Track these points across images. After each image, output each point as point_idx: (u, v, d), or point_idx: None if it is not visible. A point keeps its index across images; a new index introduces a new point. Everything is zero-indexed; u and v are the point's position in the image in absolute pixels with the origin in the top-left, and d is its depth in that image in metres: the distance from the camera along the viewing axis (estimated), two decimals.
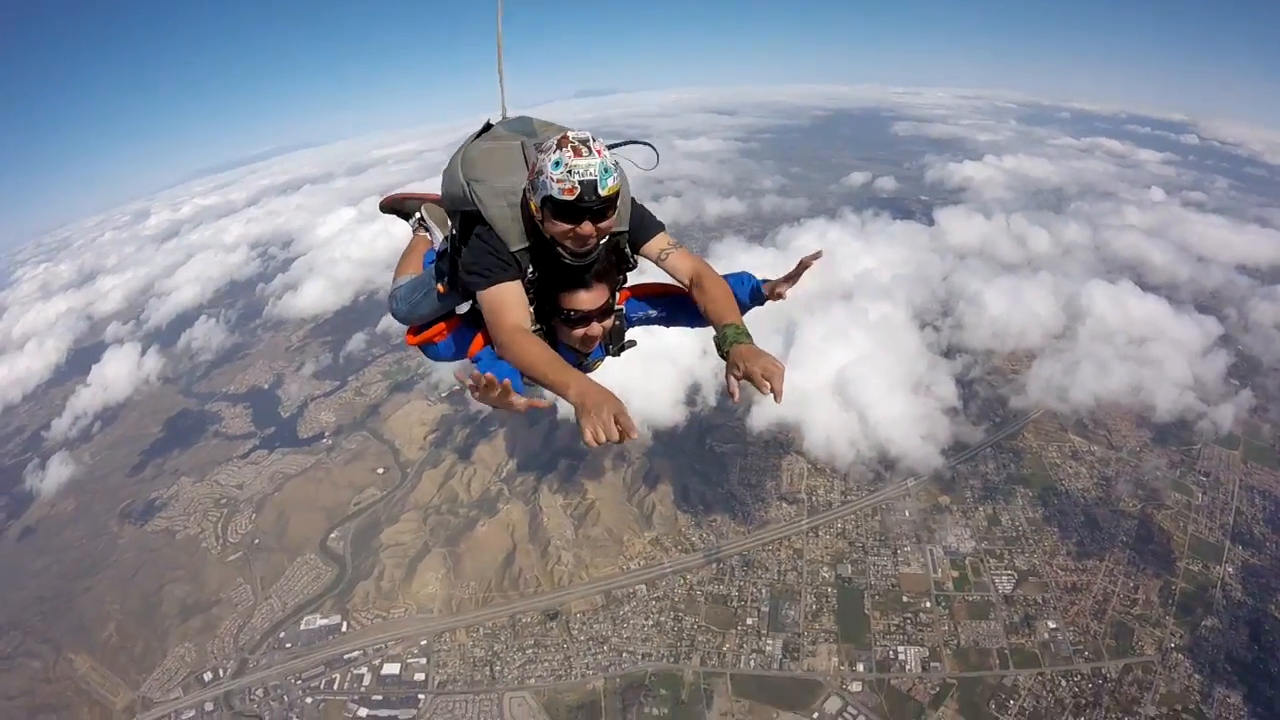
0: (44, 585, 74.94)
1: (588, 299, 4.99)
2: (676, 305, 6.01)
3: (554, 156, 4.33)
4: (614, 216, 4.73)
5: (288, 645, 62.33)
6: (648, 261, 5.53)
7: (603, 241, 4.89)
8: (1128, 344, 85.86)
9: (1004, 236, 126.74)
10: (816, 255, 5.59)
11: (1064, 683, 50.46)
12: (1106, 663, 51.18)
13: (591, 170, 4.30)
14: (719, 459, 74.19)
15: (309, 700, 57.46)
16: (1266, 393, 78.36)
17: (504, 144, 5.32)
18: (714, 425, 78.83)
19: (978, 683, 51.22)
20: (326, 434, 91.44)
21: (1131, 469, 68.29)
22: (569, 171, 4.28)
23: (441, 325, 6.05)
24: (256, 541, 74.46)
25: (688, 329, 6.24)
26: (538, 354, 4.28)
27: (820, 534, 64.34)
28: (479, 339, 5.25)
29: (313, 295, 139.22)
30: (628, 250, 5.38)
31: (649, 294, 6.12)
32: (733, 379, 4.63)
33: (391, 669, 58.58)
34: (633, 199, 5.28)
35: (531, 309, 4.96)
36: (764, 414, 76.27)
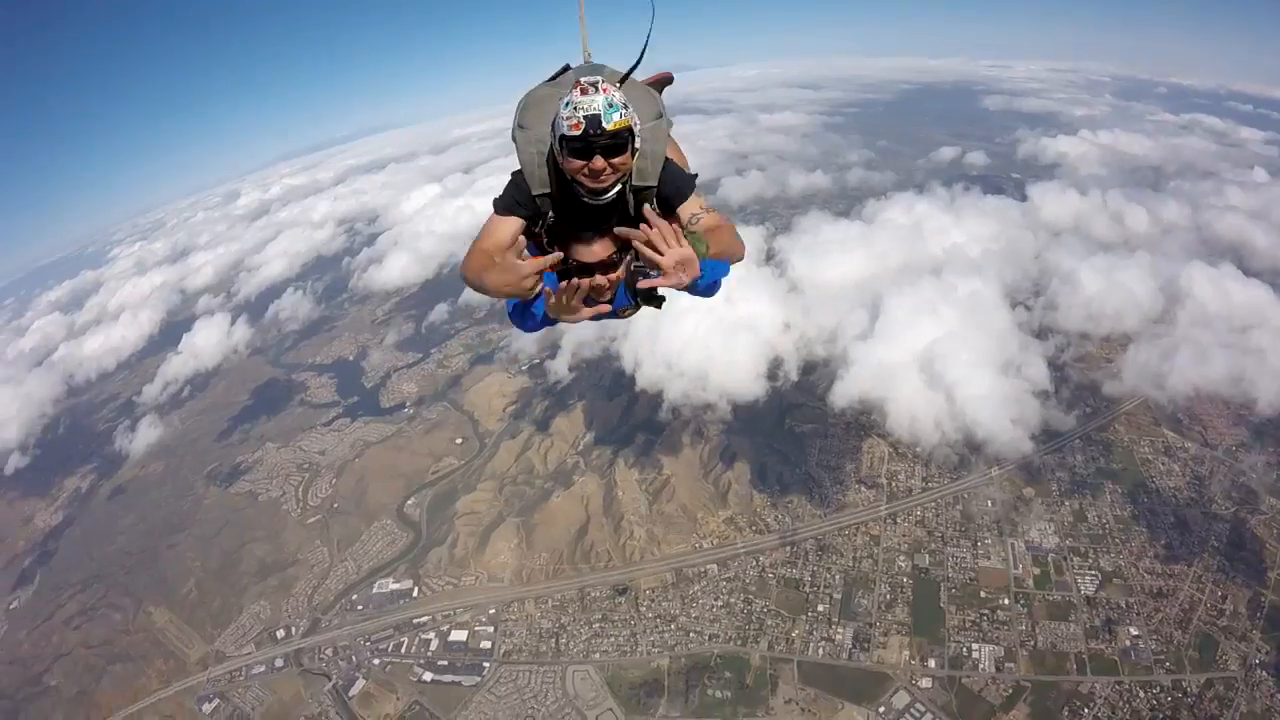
0: (130, 542, 77.70)
1: (587, 252, 5.12)
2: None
3: (565, 97, 4.76)
4: (629, 155, 4.97)
5: (359, 607, 63.34)
6: None
7: (621, 181, 5.15)
8: (1229, 331, 79.79)
9: (1100, 214, 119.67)
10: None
11: (1142, 694, 48.03)
12: (1188, 676, 48.43)
13: (595, 105, 4.62)
14: (798, 439, 72.36)
15: (376, 662, 58.25)
16: None
17: (558, 92, 5.38)
18: (794, 404, 77.06)
19: (1052, 688, 49.26)
20: (408, 404, 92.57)
21: (1227, 469, 63.70)
22: (574, 109, 4.64)
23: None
24: (335, 506, 75.78)
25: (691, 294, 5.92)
26: (487, 266, 5.03)
27: (899, 521, 62.14)
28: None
29: (397, 268, 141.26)
30: (654, 209, 5.38)
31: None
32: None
33: (459, 636, 58.94)
34: (667, 158, 5.51)
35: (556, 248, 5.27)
36: (846, 390, 74.85)
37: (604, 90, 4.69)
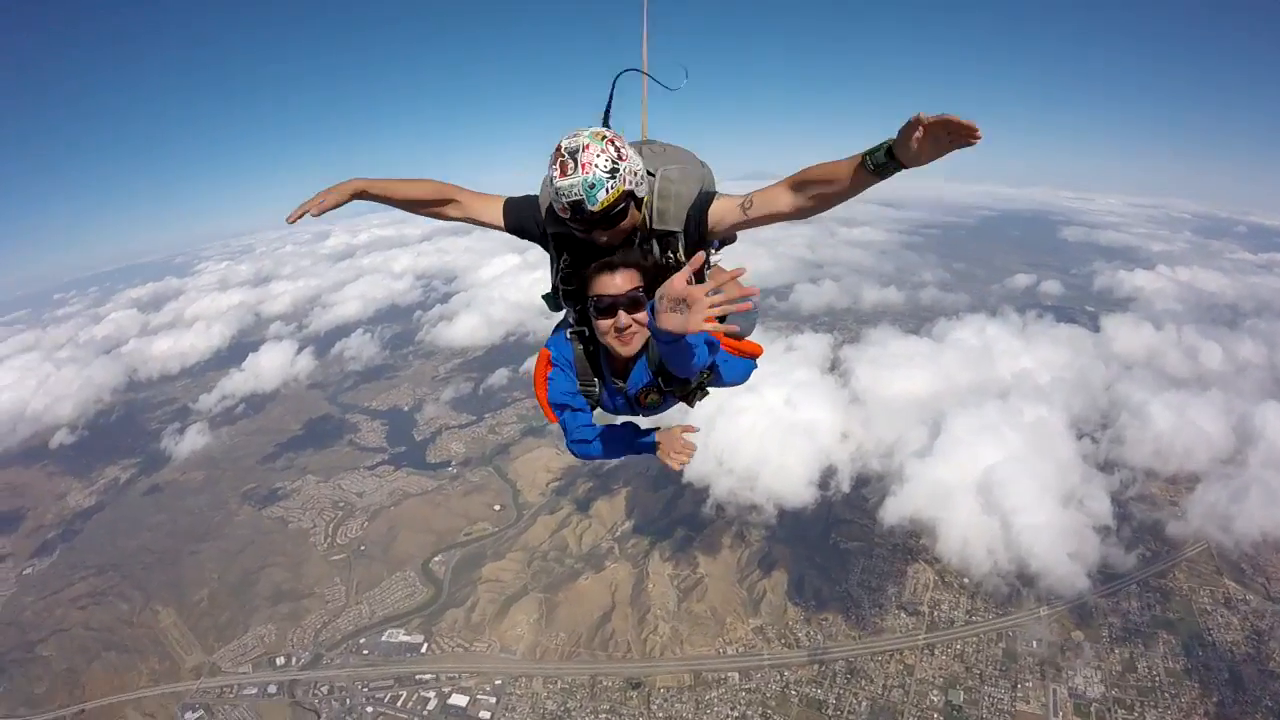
0: (154, 540, 78.20)
1: (610, 283, 4.56)
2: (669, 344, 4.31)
3: (547, 174, 4.30)
4: (632, 217, 4.55)
5: (365, 652, 62.07)
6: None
7: (635, 236, 4.76)
8: None
9: (1173, 349, 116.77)
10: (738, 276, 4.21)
11: None
12: None
13: (575, 190, 4.15)
14: (842, 555, 70.23)
15: (369, 709, 56.84)
16: None
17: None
18: (842, 519, 75.14)
19: None
20: (453, 463, 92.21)
21: None
22: (557, 192, 4.21)
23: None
24: (363, 548, 75.17)
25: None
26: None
27: (936, 652, 59.03)
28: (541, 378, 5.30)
29: (466, 328, 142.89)
30: (678, 258, 4.82)
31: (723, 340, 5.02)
32: (936, 124, 3.38)
33: (459, 700, 57.04)
34: (701, 193, 4.81)
35: (574, 306, 5.00)
36: (899, 507, 73.01)
37: (584, 166, 4.13)
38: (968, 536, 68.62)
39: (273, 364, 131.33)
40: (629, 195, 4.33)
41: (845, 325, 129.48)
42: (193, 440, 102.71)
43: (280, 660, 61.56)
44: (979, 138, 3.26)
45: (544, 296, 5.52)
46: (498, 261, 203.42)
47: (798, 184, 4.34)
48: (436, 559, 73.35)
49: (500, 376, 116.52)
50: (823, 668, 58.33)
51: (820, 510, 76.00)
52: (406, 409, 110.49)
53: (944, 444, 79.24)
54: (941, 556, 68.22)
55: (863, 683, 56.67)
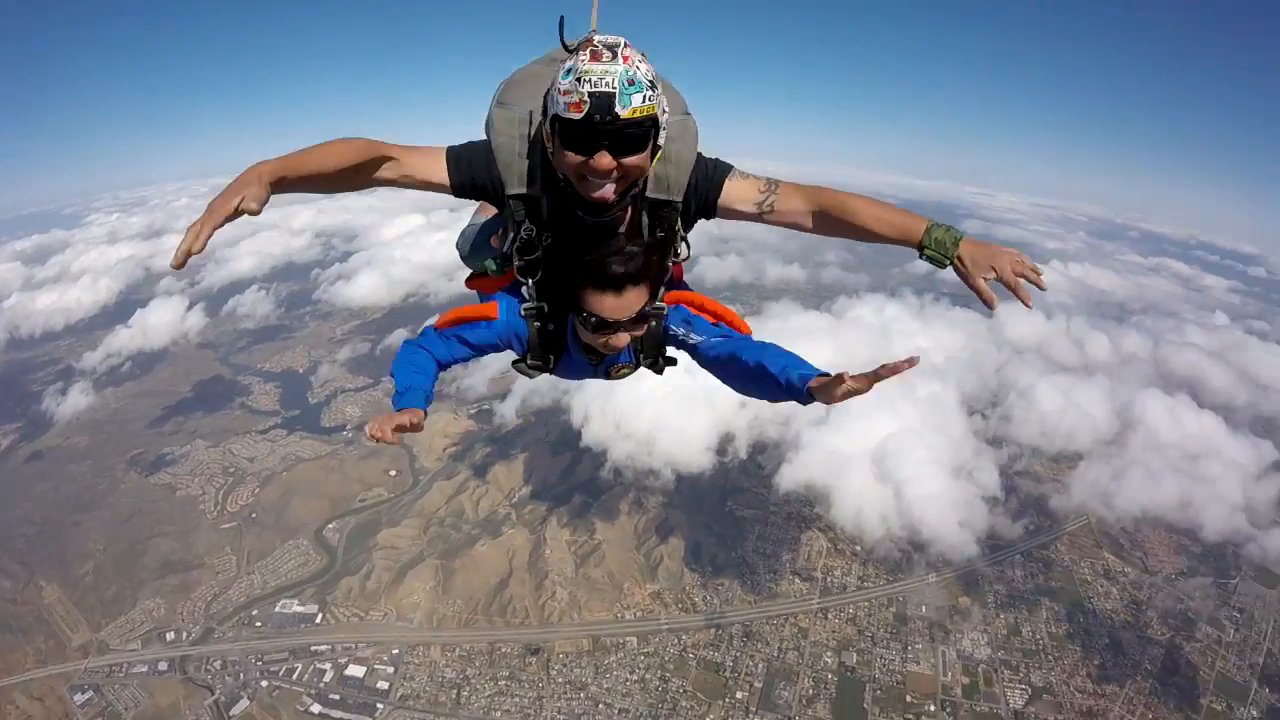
0: (37, 510, 74.82)
1: (615, 305, 3.73)
2: (732, 354, 4.15)
3: (569, 64, 3.31)
4: (647, 155, 3.54)
5: (258, 624, 60.55)
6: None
7: (631, 191, 3.72)
8: (1180, 458, 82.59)
9: (1063, 338, 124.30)
10: (911, 362, 3.43)
11: None
12: None
13: (609, 80, 3.20)
14: (738, 522, 71.46)
15: (264, 684, 55.34)
16: None
17: (559, 65, 3.58)
18: (738, 487, 76.45)
19: None
20: (348, 427, 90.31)
21: (1164, 595, 64.67)
22: (578, 80, 3.22)
23: (500, 282, 4.63)
24: (253, 515, 73.30)
25: (725, 383, 4.38)
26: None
27: (830, 616, 61.00)
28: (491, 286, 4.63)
29: (364, 287, 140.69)
30: (675, 230, 4.13)
31: (704, 311, 4.49)
32: (982, 283, 3.66)
33: (356, 671, 56.16)
34: (699, 155, 4.03)
35: (543, 303, 4.21)
36: (794, 474, 74.86)
37: (624, 58, 3.25)
38: (861, 504, 70.77)
39: (161, 321, 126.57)
40: (655, 123, 3.44)
41: (748, 299, 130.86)
42: (75, 401, 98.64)
43: (170, 635, 59.39)
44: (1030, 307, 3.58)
45: (470, 257, 5.08)
46: (401, 221, 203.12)
47: (832, 210, 4.04)
48: (330, 526, 71.96)
49: (398, 337, 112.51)
50: (719, 631, 59.47)
51: (717, 477, 77.20)
52: (301, 371, 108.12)
53: (840, 414, 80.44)
54: (835, 523, 70.21)
55: (759, 645, 58.02)
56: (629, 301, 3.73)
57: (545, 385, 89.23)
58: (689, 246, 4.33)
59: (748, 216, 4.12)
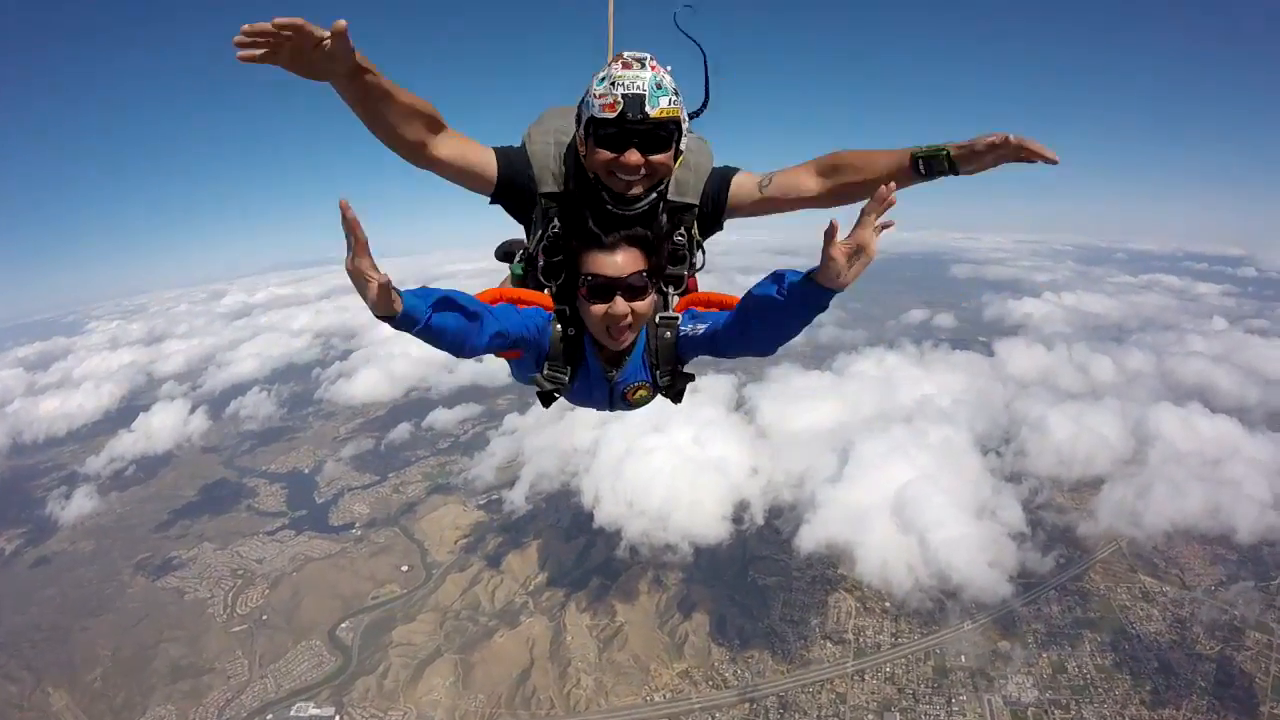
0: (44, 616, 73.82)
1: (611, 263, 3.99)
2: (732, 316, 4.31)
3: (602, 74, 3.86)
4: (671, 155, 4.01)
5: None
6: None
7: (657, 188, 4.18)
8: (1201, 465, 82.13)
9: (1066, 366, 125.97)
10: (889, 188, 3.35)
11: None
12: None
13: (640, 84, 3.75)
14: (761, 591, 70.33)
15: None
16: None
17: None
18: (758, 555, 75.33)
19: None
20: (357, 525, 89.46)
21: (1207, 608, 63.50)
22: (612, 85, 3.77)
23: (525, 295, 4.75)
24: (264, 617, 71.93)
25: (752, 351, 4.42)
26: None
27: (867, 678, 59.49)
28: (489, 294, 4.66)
29: (366, 384, 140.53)
30: (691, 235, 4.56)
31: (709, 304, 4.79)
32: (999, 146, 3.71)
33: None
34: (714, 168, 4.48)
35: (554, 282, 4.38)
36: (813, 534, 73.91)
37: (653, 68, 3.82)
38: (886, 557, 69.95)
39: (164, 424, 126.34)
40: (678, 125, 3.93)
41: (748, 366, 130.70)
42: (80, 505, 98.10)
43: None
44: (1057, 161, 3.57)
45: (509, 260, 5.25)
46: None
47: (827, 168, 4.21)
48: (344, 625, 70.54)
49: (402, 432, 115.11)
50: (754, 705, 58.01)
51: (735, 547, 76.27)
52: (307, 471, 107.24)
53: (853, 469, 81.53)
54: (862, 580, 69.18)
55: (796, 716, 56.63)
56: (621, 261, 3.96)
57: (553, 469, 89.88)
58: (704, 254, 4.72)
59: (753, 205, 4.46)
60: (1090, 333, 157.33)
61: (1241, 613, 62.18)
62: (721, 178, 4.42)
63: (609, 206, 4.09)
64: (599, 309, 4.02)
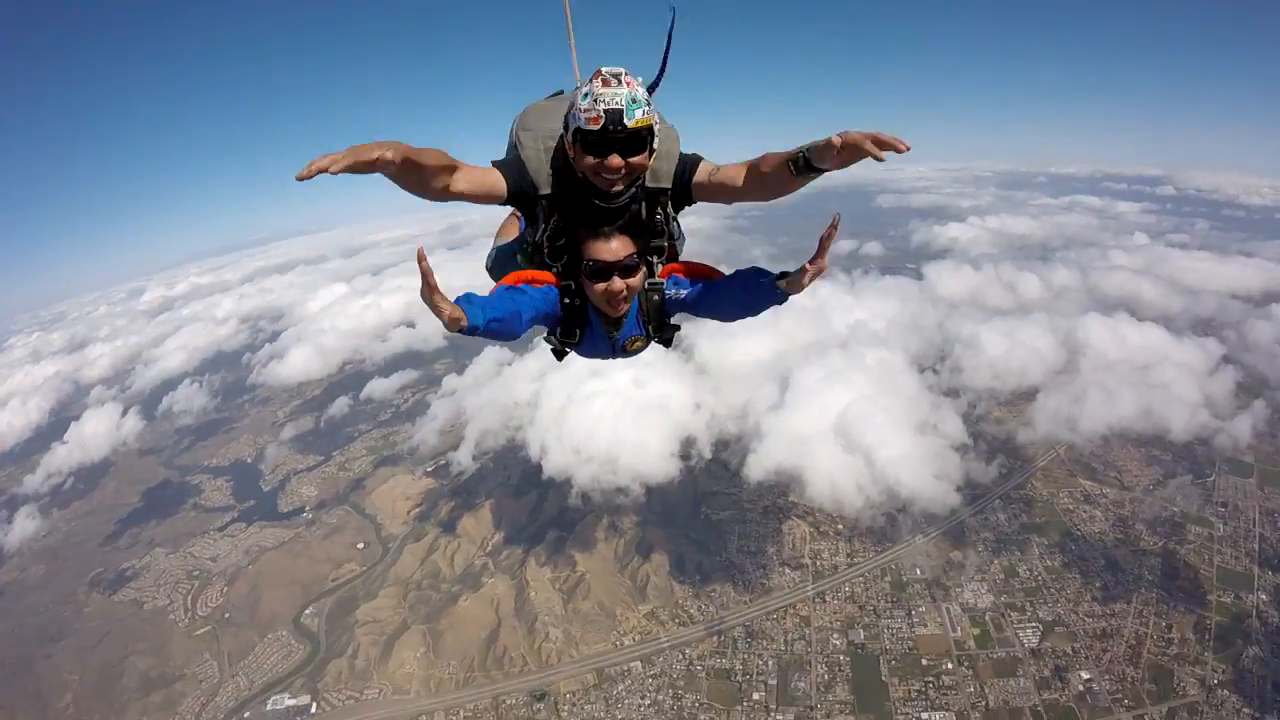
0: (3, 649, 72.10)
1: (606, 249, 4.98)
2: (710, 289, 5.65)
3: (584, 89, 4.54)
4: (646, 155, 4.79)
5: None
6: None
7: (636, 183, 5.00)
8: (1132, 371, 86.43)
9: (994, 285, 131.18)
10: (833, 225, 4.79)
11: None
12: (1149, 709, 48.86)
13: (618, 99, 4.44)
14: (715, 526, 71.65)
15: None
16: (1277, 405, 79.11)
17: (561, 100, 5.59)
18: (709, 491, 76.68)
19: None
20: (307, 508, 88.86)
21: (1148, 506, 66.90)
22: (594, 100, 4.44)
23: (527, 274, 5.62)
24: (227, 616, 71.34)
25: (725, 318, 5.93)
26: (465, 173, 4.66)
27: (827, 599, 61.44)
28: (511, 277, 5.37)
29: (298, 363, 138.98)
30: (667, 213, 5.43)
31: (686, 272, 5.77)
32: (856, 136, 4.08)
33: None
34: (681, 155, 5.27)
35: (558, 263, 5.29)
36: (761, 463, 75.49)
37: (627, 84, 4.53)
38: (835, 478, 71.80)
39: (98, 431, 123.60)
40: (651, 130, 4.67)
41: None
42: (23, 528, 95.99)
43: None
44: (907, 148, 3.90)
45: (517, 253, 5.95)
46: (324, 293, 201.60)
47: (751, 168, 4.93)
48: (308, 611, 70.36)
49: (341, 406, 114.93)
50: (722, 637, 59.50)
51: (686, 485, 77.48)
52: (249, 460, 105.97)
53: (794, 397, 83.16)
54: (813, 503, 71.00)
55: (764, 643, 58.22)
56: (616, 247, 4.97)
57: (497, 425, 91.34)
58: (680, 227, 5.76)
59: (709, 189, 5.19)
60: (1016, 253, 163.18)
61: (1181, 508, 65.66)
62: (688, 163, 5.17)
63: (595, 201, 4.90)
64: (600, 287, 5.07)
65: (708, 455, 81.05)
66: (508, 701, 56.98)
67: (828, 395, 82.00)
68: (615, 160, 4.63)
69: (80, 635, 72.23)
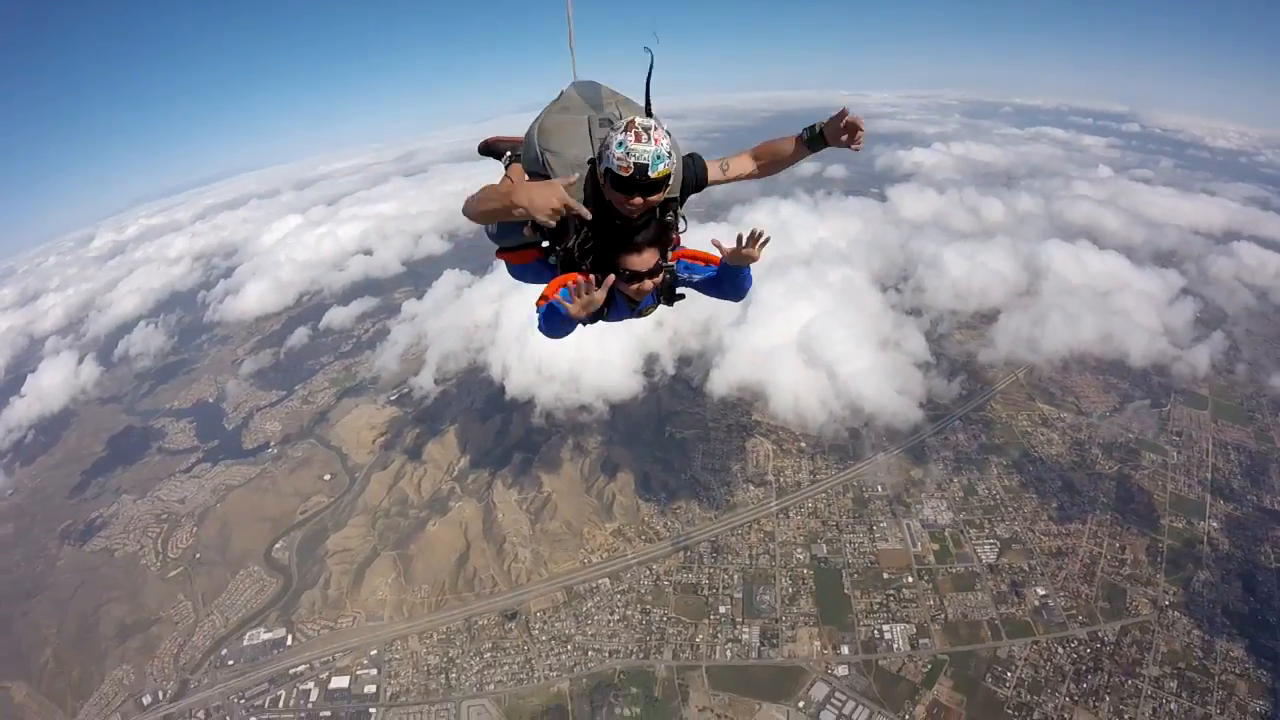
0: None
1: (640, 261, 5.99)
2: (713, 276, 6.89)
3: (619, 138, 5.29)
4: (662, 194, 5.65)
5: (230, 663, 59.08)
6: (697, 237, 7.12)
7: (652, 209, 5.92)
8: (1093, 297, 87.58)
9: (957, 208, 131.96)
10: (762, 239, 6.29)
11: (1061, 650, 49.74)
12: (1102, 626, 50.72)
13: (645, 156, 5.22)
14: (680, 445, 72.39)
15: None
16: (1235, 339, 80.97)
17: (574, 118, 6.29)
18: (673, 410, 77.29)
19: (971, 656, 50.14)
20: (272, 444, 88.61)
21: (1104, 431, 68.60)
22: (628, 153, 5.23)
23: (529, 254, 6.91)
24: (198, 556, 71.26)
25: (718, 298, 7.29)
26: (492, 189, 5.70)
27: (791, 515, 62.75)
28: (554, 285, 6.18)
29: (255, 297, 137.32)
30: (678, 213, 6.45)
31: (694, 258, 6.93)
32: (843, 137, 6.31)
33: (340, 682, 55.35)
34: (686, 158, 6.26)
35: (587, 264, 6.12)
36: (724, 377, 76.44)
37: (656, 140, 5.25)
38: (798, 392, 72.84)
39: (54, 381, 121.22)
40: (669, 178, 5.49)
41: None
42: None
43: (147, 699, 57.49)
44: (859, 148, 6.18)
45: (542, 247, 6.44)
46: (278, 226, 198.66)
47: (756, 154, 6.69)
48: (278, 546, 70.50)
49: (300, 338, 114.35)
50: (688, 553, 60.65)
51: (650, 404, 78.10)
52: (211, 400, 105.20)
53: (757, 312, 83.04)
54: (777, 417, 72.02)
55: (730, 558, 59.57)
56: (647, 259, 6.00)
57: (458, 347, 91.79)
58: (685, 221, 6.66)
59: (716, 181, 6.66)
60: (980, 179, 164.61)
61: (1136, 434, 67.69)
62: (695, 169, 6.38)
63: (618, 222, 5.85)
64: (634, 288, 6.15)
65: (671, 371, 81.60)
66: (480, 622, 57.85)
67: (790, 311, 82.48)
68: (639, 200, 5.52)
69: (55, 589, 71.92)
